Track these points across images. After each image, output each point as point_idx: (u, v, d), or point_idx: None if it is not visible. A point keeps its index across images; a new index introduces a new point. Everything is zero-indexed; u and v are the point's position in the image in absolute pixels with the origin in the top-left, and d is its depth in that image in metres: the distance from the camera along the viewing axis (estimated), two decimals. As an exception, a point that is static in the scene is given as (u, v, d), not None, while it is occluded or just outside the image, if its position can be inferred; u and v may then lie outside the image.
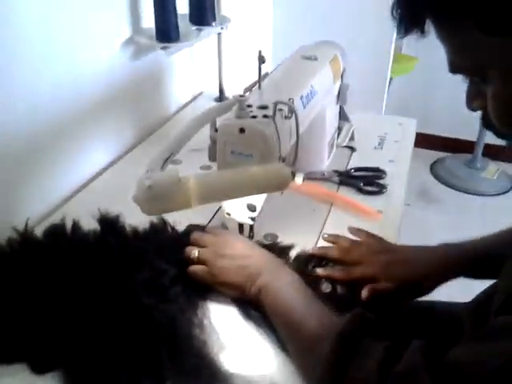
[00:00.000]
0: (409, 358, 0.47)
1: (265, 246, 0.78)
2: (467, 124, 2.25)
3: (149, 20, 1.10)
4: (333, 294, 0.73)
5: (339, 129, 1.14)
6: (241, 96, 0.72)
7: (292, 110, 0.74)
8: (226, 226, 0.84)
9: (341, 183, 1.01)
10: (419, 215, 2.34)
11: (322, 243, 0.83)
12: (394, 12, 0.51)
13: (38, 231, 0.78)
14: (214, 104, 1.32)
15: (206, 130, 0.74)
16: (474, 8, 0.44)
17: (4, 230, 0.75)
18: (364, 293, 0.70)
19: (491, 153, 2.72)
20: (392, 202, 0.96)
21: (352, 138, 1.18)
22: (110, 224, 0.79)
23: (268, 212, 0.82)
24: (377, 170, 1.05)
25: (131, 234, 0.78)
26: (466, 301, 0.78)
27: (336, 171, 1.03)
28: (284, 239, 0.83)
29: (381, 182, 1.01)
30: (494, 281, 0.67)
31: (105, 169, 1.08)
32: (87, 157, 1.03)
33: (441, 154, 2.91)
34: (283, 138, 0.74)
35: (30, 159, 0.88)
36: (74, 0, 0.90)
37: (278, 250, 0.79)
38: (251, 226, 0.82)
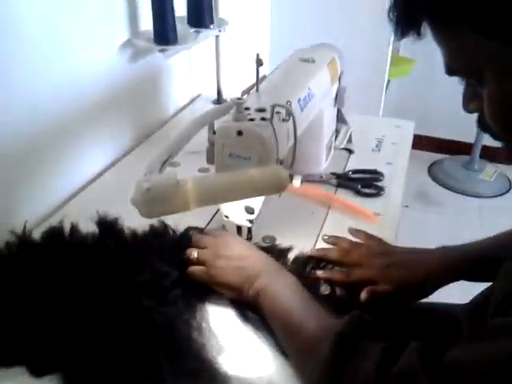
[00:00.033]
0: (406, 358, 0.48)
1: (263, 249, 0.78)
2: (465, 126, 2.25)
3: (147, 22, 1.10)
4: (332, 295, 0.73)
5: (337, 131, 1.14)
6: (239, 99, 0.72)
7: (290, 113, 0.74)
8: (226, 227, 0.84)
9: (339, 185, 1.01)
10: (417, 217, 2.34)
11: (320, 245, 0.84)
12: (391, 15, 0.51)
13: (37, 233, 0.78)
14: (211, 106, 1.32)
15: (204, 133, 0.74)
16: (471, 11, 0.45)
17: (3, 230, 0.75)
18: (363, 295, 0.70)
19: (489, 155, 2.73)
20: (390, 204, 0.96)
21: (350, 141, 1.18)
22: (108, 226, 0.78)
23: (266, 214, 0.83)
24: (374, 172, 1.05)
25: (130, 236, 0.78)
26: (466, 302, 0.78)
27: (334, 173, 1.03)
28: (282, 241, 0.83)
29: (379, 184, 1.01)
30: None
31: (103, 171, 1.08)
32: (86, 158, 1.03)
33: (438, 156, 2.92)
34: (281, 141, 0.74)
35: (30, 159, 0.88)
36: (74, 1, 0.90)
37: (277, 253, 0.79)
38: (249, 229, 0.82)
